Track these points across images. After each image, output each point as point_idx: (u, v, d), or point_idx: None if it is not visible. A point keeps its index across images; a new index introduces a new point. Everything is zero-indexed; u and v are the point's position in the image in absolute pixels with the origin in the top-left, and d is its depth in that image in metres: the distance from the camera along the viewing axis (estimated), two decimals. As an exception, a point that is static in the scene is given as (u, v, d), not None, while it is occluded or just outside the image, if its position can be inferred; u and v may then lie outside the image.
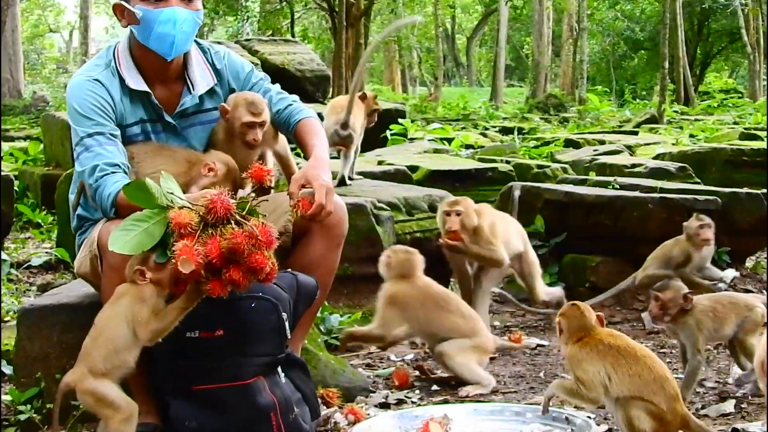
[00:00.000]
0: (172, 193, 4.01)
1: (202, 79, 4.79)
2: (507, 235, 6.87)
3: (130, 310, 4.01)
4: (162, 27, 4.51)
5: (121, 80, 4.63)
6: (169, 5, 4.51)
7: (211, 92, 4.82)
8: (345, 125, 7.55)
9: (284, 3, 35.90)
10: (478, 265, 6.84)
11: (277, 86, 5.03)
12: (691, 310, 5.14)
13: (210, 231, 3.85)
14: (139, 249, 3.93)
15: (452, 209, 6.55)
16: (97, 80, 4.60)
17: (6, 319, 6.62)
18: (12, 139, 20.20)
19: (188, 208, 3.91)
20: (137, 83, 4.63)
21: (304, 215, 4.36)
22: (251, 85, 4.92)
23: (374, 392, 5.49)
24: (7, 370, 5.36)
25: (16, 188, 9.78)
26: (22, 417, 4.83)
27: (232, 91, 4.87)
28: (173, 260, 3.81)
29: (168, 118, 4.70)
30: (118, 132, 4.54)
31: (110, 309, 4.08)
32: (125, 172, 4.43)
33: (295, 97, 5.04)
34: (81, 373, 4.02)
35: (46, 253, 8.82)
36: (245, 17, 37.00)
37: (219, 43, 17.35)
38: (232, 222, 3.88)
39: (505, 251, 6.70)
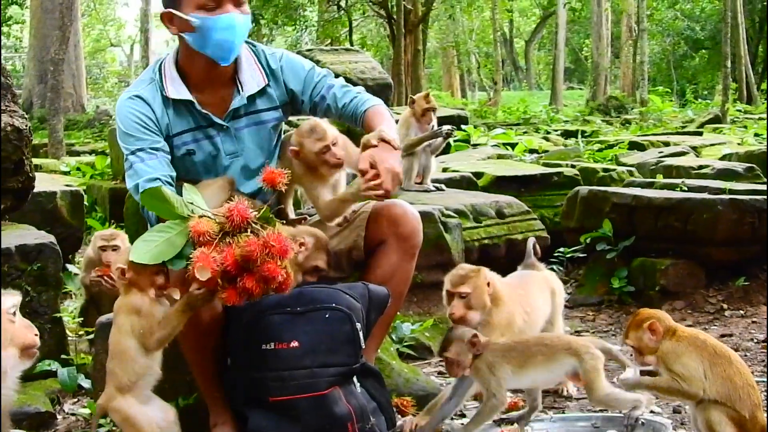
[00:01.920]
0: (192, 203, 4.03)
1: (252, 80, 4.78)
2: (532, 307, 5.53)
3: (128, 323, 4.06)
4: (221, 34, 4.52)
5: (164, 91, 4.67)
6: (226, 12, 4.52)
7: (262, 93, 4.81)
8: None
9: (342, 12, 35.99)
10: None
11: (341, 80, 4.99)
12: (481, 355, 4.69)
13: (228, 240, 3.86)
14: (160, 258, 3.97)
15: (455, 291, 4.99)
16: (137, 96, 4.64)
17: (81, 332, 6.68)
18: (77, 153, 20.44)
19: (208, 217, 3.93)
20: (179, 92, 4.65)
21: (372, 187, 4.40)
22: (314, 84, 4.87)
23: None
24: (86, 383, 5.43)
25: (85, 202, 9.88)
26: (102, 430, 4.89)
27: (291, 92, 4.87)
28: (190, 267, 3.82)
29: (219, 121, 4.70)
30: (160, 144, 4.56)
31: (114, 329, 4.14)
32: (169, 183, 4.45)
33: (360, 88, 5.02)
34: (109, 393, 4.10)
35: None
36: (304, 27, 37.19)
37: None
38: (249, 231, 3.88)
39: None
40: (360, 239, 4.78)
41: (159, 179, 4.42)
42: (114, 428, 4.91)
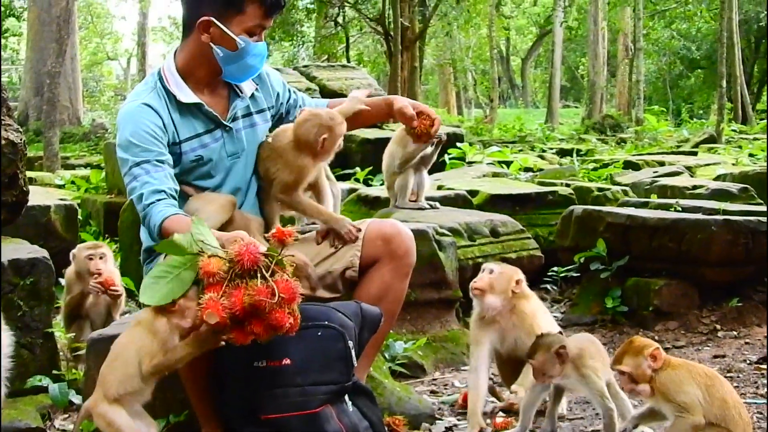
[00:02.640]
0: (202, 241, 4.02)
1: (245, 85, 4.93)
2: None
3: (141, 340, 4.06)
4: (252, 59, 4.73)
5: (170, 97, 4.70)
6: (262, 41, 4.75)
7: (253, 96, 4.97)
8: None
9: (339, 28, 36.04)
10: None
11: (302, 94, 5.34)
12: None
13: (237, 281, 3.86)
14: (170, 297, 3.98)
15: (487, 266, 5.51)
16: (145, 104, 4.66)
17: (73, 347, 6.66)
18: (73, 166, 20.41)
19: (218, 256, 3.92)
20: (188, 96, 4.72)
21: (432, 127, 4.96)
22: (290, 91, 5.22)
23: (440, 419, 5.48)
24: (77, 399, 5.42)
25: (79, 216, 9.86)
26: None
27: (276, 95, 5.11)
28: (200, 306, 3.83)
29: (225, 122, 4.79)
30: (165, 157, 4.57)
31: (126, 336, 4.15)
32: (173, 197, 4.49)
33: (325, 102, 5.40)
34: (97, 397, 4.10)
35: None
36: (301, 42, 37.23)
37: (277, 69, 17.45)
38: (258, 275, 3.87)
39: None
40: (356, 259, 4.79)
41: (164, 192, 4.45)
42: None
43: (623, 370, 4.34)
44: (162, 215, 4.38)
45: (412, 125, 4.99)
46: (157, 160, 4.53)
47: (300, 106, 5.12)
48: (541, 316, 5.49)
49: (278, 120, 5.12)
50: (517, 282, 5.39)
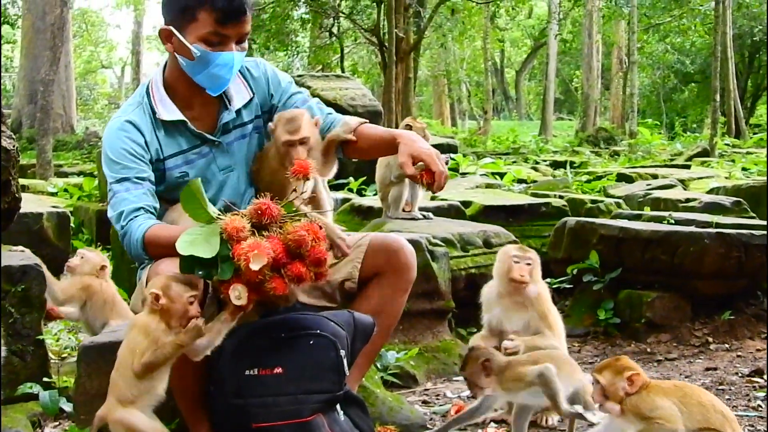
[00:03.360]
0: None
1: (237, 94, 4.78)
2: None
3: (136, 341, 4.07)
4: (218, 69, 4.52)
5: (154, 113, 4.63)
6: (228, 50, 4.52)
7: (247, 104, 4.82)
8: None
9: (334, 38, 36.05)
10: None
11: (317, 100, 5.00)
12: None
13: (264, 233, 3.90)
14: (205, 253, 3.91)
15: (524, 256, 5.64)
16: (128, 121, 4.61)
17: (64, 355, 6.66)
18: (65, 174, 20.40)
19: (237, 215, 3.94)
20: (171, 113, 4.63)
21: (432, 186, 4.52)
22: (290, 93, 4.92)
23: (431, 429, 5.47)
24: (68, 407, 5.40)
25: (71, 224, 9.85)
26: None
27: (271, 97, 4.89)
28: (240, 262, 3.81)
29: (211, 137, 4.69)
30: (146, 174, 4.52)
31: (125, 340, 4.15)
32: (152, 213, 4.45)
33: (330, 110, 5.02)
34: (111, 404, 4.10)
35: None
36: (296, 52, 37.20)
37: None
38: (281, 224, 3.93)
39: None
40: (355, 271, 4.78)
41: (143, 208, 4.41)
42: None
43: (599, 381, 4.35)
44: (142, 228, 4.34)
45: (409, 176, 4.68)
46: (137, 178, 4.49)
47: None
48: (550, 301, 5.78)
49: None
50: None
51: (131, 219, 4.39)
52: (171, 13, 4.53)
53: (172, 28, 4.51)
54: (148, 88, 4.71)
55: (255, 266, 3.79)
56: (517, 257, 5.59)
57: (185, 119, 4.64)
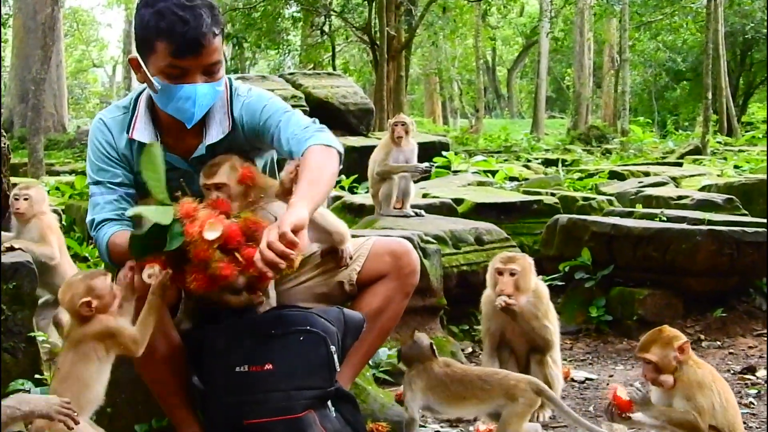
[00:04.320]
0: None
1: (218, 127, 4.51)
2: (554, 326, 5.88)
3: (98, 349, 4.05)
4: (181, 102, 4.30)
5: (130, 130, 4.51)
6: (191, 82, 4.27)
7: (225, 138, 4.52)
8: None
9: (325, 36, 36.04)
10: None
11: (295, 114, 4.54)
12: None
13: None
14: (158, 248, 4.00)
15: (506, 267, 5.61)
16: (104, 123, 4.57)
17: (56, 351, 6.62)
18: (57, 173, 20.36)
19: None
20: (144, 134, 4.48)
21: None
22: (263, 122, 4.50)
23: (424, 426, 5.47)
24: (59, 404, 5.38)
25: (63, 222, 9.82)
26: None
27: (252, 138, 4.56)
28: (194, 231, 3.89)
29: (183, 165, 4.54)
30: (120, 179, 4.47)
31: (72, 353, 4.09)
32: (119, 220, 4.40)
33: (308, 124, 4.46)
34: None
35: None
36: (287, 51, 37.20)
37: (263, 77, 17.43)
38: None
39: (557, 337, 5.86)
40: (354, 273, 4.78)
41: (110, 219, 4.42)
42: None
43: (650, 359, 4.36)
44: (106, 237, 4.39)
45: None
46: (111, 183, 4.46)
47: (279, 143, 4.49)
48: (548, 299, 5.84)
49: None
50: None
51: (98, 229, 4.44)
52: (136, 42, 4.35)
53: (138, 57, 4.34)
54: (136, 101, 4.60)
55: (210, 235, 3.82)
56: (500, 269, 5.58)
57: (156, 143, 4.44)
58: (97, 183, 4.49)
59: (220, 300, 4.24)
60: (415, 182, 8.59)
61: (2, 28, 28.87)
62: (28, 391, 5.44)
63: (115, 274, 4.30)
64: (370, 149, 8.86)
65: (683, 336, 4.38)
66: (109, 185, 4.47)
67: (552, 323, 5.72)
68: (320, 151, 4.22)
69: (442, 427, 5.51)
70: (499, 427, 4.82)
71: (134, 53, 4.36)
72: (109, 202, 4.44)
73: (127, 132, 4.51)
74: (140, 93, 4.62)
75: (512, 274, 5.55)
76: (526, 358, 5.74)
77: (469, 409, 5.02)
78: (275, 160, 4.84)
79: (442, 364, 5.09)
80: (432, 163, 8.57)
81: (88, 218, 4.49)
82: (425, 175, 8.56)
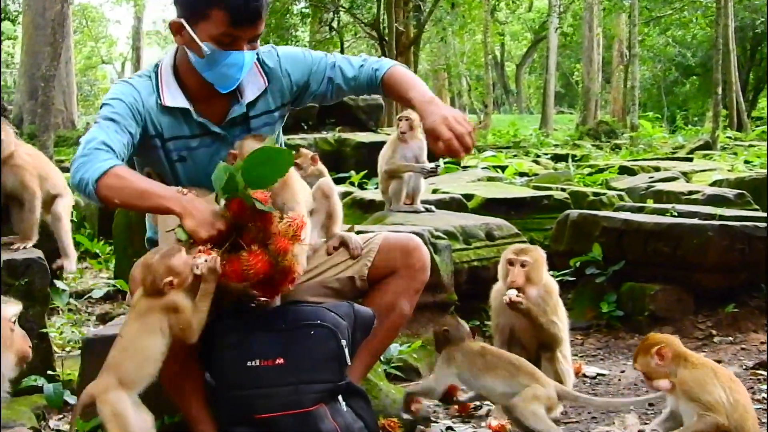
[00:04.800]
0: None
1: (252, 86, 4.68)
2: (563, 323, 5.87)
3: (162, 323, 4.06)
4: (227, 69, 4.44)
5: (159, 95, 4.57)
6: (239, 49, 4.42)
7: (261, 96, 4.71)
8: None
9: (334, 32, 36.05)
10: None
11: (339, 55, 4.89)
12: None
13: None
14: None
15: (518, 258, 5.71)
16: (131, 84, 4.58)
17: (68, 348, 6.65)
18: (66, 170, 20.26)
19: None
20: (175, 100, 4.57)
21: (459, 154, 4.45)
22: (315, 68, 4.76)
23: (435, 422, 5.47)
24: (72, 399, 5.40)
25: (73, 218, 9.83)
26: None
27: (297, 84, 4.76)
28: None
29: (216, 129, 4.62)
30: (133, 131, 4.44)
31: (138, 323, 4.11)
32: (122, 161, 4.31)
33: (364, 55, 4.90)
34: (107, 383, 4.06)
35: (105, 283, 8.88)
36: (296, 46, 37.18)
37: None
38: None
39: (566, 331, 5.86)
40: (365, 269, 4.77)
41: (115, 152, 4.28)
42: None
43: (638, 369, 4.46)
44: (110, 163, 4.19)
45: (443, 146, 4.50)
46: (126, 127, 4.40)
47: (338, 86, 4.80)
48: (557, 296, 5.85)
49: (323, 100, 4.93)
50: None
51: (103, 150, 4.25)
52: (183, 7, 4.45)
53: (183, 21, 4.43)
54: (157, 69, 4.66)
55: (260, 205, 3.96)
56: (512, 260, 5.59)
57: (189, 108, 4.58)
58: (108, 119, 4.40)
59: (241, 295, 4.24)
60: (425, 178, 8.58)
61: (1, 23, 28.70)
62: (41, 388, 5.46)
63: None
64: (380, 145, 8.86)
65: (664, 340, 4.36)
66: (122, 128, 4.40)
67: (560, 320, 5.73)
68: (399, 68, 4.84)
69: (454, 422, 5.50)
70: (514, 401, 4.85)
71: (177, 18, 4.46)
72: (119, 139, 4.36)
73: (158, 98, 4.56)
74: (158, 65, 4.69)
75: (523, 266, 5.60)
76: (536, 354, 5.73)
77: (497, 383, 5.02)
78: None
79: (478, 345, 5.23)
80: (438, 163, 8.54)
81: (90, 136, 4.33)
82: (433, 174, 8.52)
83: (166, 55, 4.75)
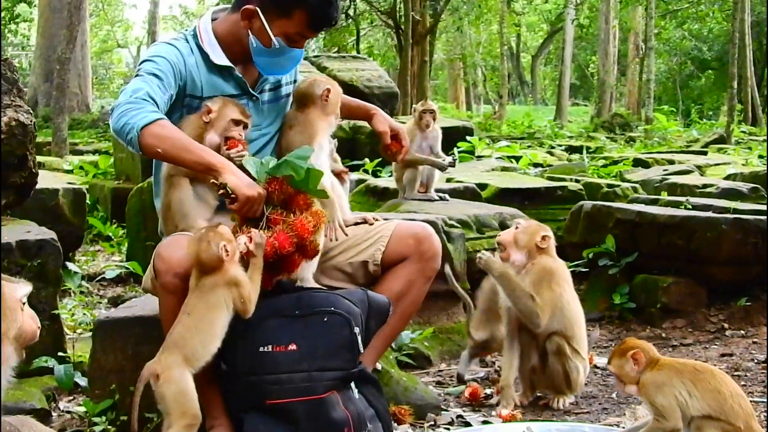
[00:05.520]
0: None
1: None
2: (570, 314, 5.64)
3: (226, 298, 4.13)
4: (285, 61, 4.75)
5: (203, 55, 4.70)
6: (300, 47, 4.75)
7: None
8: None
9: (350, 20, 36.01)
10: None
11: None
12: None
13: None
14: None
15: (514, 221, 5.87)
16: (173, 45, 4.67)
17: (79, 330, 6.65)
18: (81, 152, 20.45)
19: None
20: (220, 59, 4.70)
21: (396, 155, 5.20)
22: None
23: (446, 410, 5.46)
24: (82, 381, 5.40)
25: (87, 201, 9.86)
26: (97, 429, 4.87)
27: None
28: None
29: (252, 91, 4.80)
30: (173, 90, 4.54)
31: (203, 300, 4.14)
32: (162, 115, 4.38)
33: None
34: (172, 361, 4.08)
35: (117, 266, 8.89)
36: (311, 34, 37.15)
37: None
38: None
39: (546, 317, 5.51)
40: (378, 254, 4.81)
41: (158, 105, 4.38)
42: (109, 427, 4.89)
43: (612, 370, 4.40)
44: (156, 115, 4.28)
45: (384, 143, 5.15)
46: (167, 85, 4.51)
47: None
48: (559, 282, 5.56)
49: None
50: (543, 238, 5.54)
51: (147, 101, 4.34)
52: (269, 1, 4.61)
53: (258, 11, 4.60)
54: (195, 32, 4.77)
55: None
56: (510, 223, 5.64)
57: (232, 66, 4.74)
58: (153, 74, 4.49)
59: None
60: (443, 172, 8.57)
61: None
62: (51, 369, 5.47)
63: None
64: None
65: (640, 347, 4.32)
66: (165, 85, 4.51)
67: (545, 300, 5.46)
68: None
69: (464, 411, 5.50)
70: None
71: (252, 6, 4.62)
72: (161, 95, 4.45)
73: (203, 57, 4.70)
74: (194, 29, 4.82)
75: (516, 227, 5.63)
76: (543, 347, 5.67)
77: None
78: None
79: None
80: (455, 156, 8.52)
81: (134, 86, 4.40)
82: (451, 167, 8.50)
83: (201, 20, 4.87)
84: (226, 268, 4.12)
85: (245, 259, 4.17)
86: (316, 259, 4.55)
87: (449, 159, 8.15)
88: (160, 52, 4.61)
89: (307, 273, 4.55)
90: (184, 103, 4.65)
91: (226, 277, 4.12)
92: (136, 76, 4.51)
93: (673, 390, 4.13)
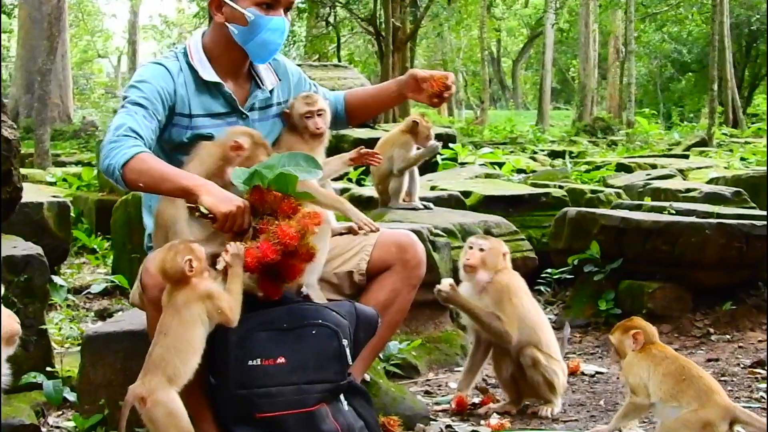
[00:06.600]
0: None
1: (267, 79, 4.91)
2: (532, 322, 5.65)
3: (200, 312, 4.10)
4: (269, 34, 4.66)
5: (192, 71, 4.69)
6: (279, 15, 4.67)
7: (273, 90, 4.94)
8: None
9: (331, 27, 36.03)
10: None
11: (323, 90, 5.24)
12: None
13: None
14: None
15: (476, 242, 5.68)
16: (162, 65, 4.66)
17: (66, 345, 6.65)
18: (63, 164, 20.41)
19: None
20: (209, 74, 4.69)
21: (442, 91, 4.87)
22: (310, 86, 5.14)
23: (434, 420, 5.47)
24: (71, 396, 5.40)
25: (72, 214, 9.83)
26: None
27: (296, 87, 5.07)
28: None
29: (242, 109, 4.77)
30: (161, 116, 4.54)
31: (178, 318, 4.11)
32: (149, 148, 4.40)
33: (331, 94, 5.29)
34: (157, 383, 4.06)
35: (104, 279, 8.88)
36: (292, 41, 37.16)
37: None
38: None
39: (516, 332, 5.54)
40: (363, 263, 4.82)
41: (143, 138, 4.38)
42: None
43: (611, 341, 4.67)
44: (137, 149, 4.29)
45: (429, 85, 4.90)
46: (154, 112, 4.50)
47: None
48: (517, 293, 5.62)
49: None
50: (504, 255, 5.66)
51: (130, 136, 4.36)
52: None
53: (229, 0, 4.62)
54: (185, 50, 4.78)
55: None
56: (471, 243, 5.63)
57: (222, 82, 4.72)
58: (137, 104, 4.49)
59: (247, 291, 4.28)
60: (421, 175, 8.56)
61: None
62: (40, 385, 5.46)
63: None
64: (377, 141, 8.84)
65: (643, 328, 4.63)
66: (152, 113, 4.51)
67: (508, 315, 5.50)
68: None
69: (453, 421, 5.51)
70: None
71: None
72: (147, 125, 4.45)
73: (192, 74, 4.70)
74: (184, 47, 4.82)
75: (481, 249, 5.61)
76: (516, 360, 5.68)
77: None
78: None
79: None
80: (440, 143, 8.51)
81: (117, 121, 4.42)
82: (433, 161, 8.49)
83: (192, 37, 4.90)
84: (195, 283, 4.11)
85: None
86: (321, 264, 4.59)
87: (434, 142, 8.15)
88: (145, 76, 4.61)
89: (311, 278, 4.56)
90: (173, 122, 4.65)
91: (197, 292, 4.10)
92: (122, 107, 4.53)
93: (640, 370, 4.47)
